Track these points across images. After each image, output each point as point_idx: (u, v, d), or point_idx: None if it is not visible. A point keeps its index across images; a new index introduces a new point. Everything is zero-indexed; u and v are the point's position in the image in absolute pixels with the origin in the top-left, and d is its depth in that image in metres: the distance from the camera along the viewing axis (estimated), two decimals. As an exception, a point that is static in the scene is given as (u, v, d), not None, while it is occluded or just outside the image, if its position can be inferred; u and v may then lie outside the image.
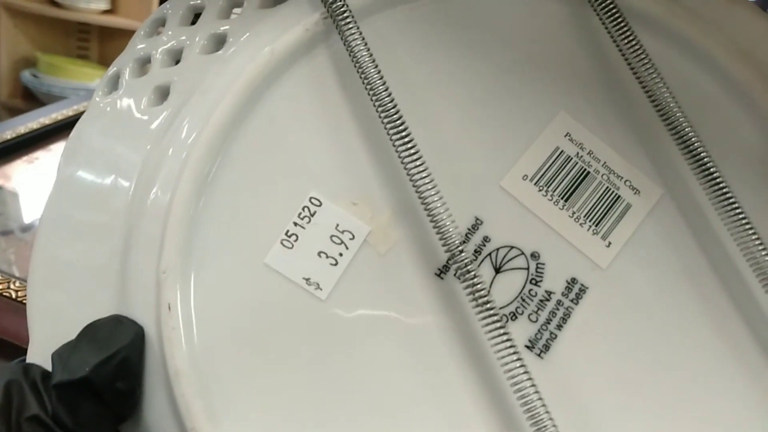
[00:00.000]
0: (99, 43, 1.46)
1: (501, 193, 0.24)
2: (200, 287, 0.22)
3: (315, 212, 0.23)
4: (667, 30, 0.25)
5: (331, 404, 0.22)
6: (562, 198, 0.24)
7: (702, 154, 0.23)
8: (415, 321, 0.23)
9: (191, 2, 0.26)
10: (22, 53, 1.37)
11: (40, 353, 0.22)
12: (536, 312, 0.24)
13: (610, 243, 0.24)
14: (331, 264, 0.23)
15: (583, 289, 0.24)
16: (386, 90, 0.22)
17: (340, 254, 0.23)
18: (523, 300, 0.24)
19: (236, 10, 0.25)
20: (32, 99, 1.32)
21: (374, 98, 0.22)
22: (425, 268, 0.23)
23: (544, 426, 0.20)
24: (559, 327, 0.24)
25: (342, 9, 0.22)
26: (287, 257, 0.23)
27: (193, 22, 0.26)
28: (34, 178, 0.61)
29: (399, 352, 0.23)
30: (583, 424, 0.23)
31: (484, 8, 0.24)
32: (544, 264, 0.24)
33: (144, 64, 0.26)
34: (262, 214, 0.23)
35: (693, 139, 0.23)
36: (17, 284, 0.44)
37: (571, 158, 0.25)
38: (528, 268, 0.24)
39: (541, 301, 0.24)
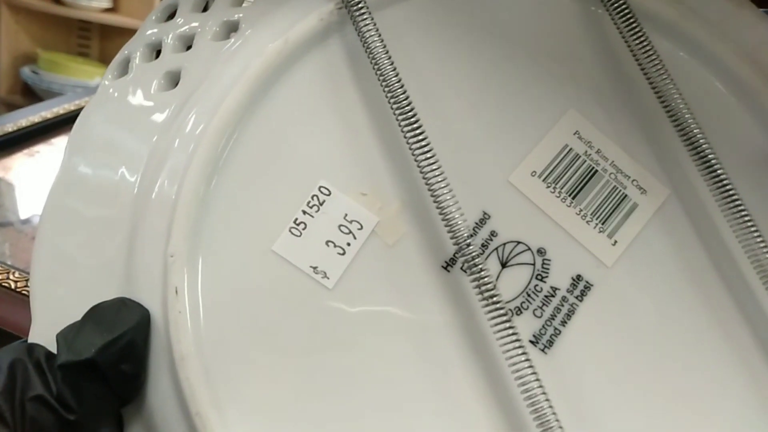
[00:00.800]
0: (100, 41, 1.46)
1: (509, 188, 0.24)
2: (207, 272, 0.22)
3: (324, 201, 0.23)
4: (678, 32, 0.25)
5: (336, 393, 0.22)
6: (569, 195, 0.25)
7: (709, 156, 0.24)
8: (421, 313, 0.23)
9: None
10: (22, 49, 1.37)
11: (42, 337, 0.22)
12: (541, 307, 0.24)
13: (616, 241, 0.25)
14: (339, 253, 0.23)
15: (588, 286, 0.24)
16: (399, 82, 0.22)
17: (348, 244, 0.23)
18: (529, 295, 0.24)
19: (249, -2, 0.25)
20: (32, 95, 1.31)
21: (387, 90, 0.22)
22: (432, 261, 0.23)
23: (547, 420, 0.20)
24: (564, 323, 0.24)
25: (357, 0, 0.23)
26: (295, 245, 0.23)
27: (204, 9, 0.26)
28: (34, 171, 0.61)
29: (403, 342, 0.23)
30: (585, 418, 0.23)
31: (497, 4, 0.25)
32: (550, 260, 0.24)
33: (154, 49, 0.26)
34: (271, 201, 0.23)
35: (701, 141, 0.24)
36: (16, 275, 0.44)
37: (580, 156, 0.25)
38: (534, 264, 0.24)
39: (546, 296, 0.24)
